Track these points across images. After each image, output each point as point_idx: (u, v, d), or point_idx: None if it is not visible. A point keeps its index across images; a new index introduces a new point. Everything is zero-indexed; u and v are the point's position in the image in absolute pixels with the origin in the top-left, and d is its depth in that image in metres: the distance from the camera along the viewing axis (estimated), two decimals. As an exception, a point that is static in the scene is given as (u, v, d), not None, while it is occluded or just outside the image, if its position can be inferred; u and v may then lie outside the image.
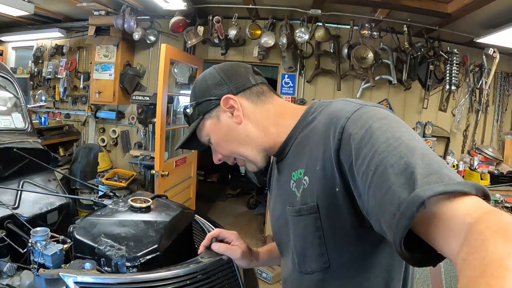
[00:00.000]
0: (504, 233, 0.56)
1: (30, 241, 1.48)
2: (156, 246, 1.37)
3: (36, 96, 5.09)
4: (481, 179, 4.52)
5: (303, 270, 1.08)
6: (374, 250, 0.98)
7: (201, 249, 1.44)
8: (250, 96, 1.16)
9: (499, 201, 3.92)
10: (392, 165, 0.75)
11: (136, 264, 1.30)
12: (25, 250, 1.62)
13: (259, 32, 4.78)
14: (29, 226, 1.84)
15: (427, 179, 0.70)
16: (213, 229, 1.82)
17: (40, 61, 5.95)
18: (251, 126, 1.15)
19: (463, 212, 0.65)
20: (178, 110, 5.68)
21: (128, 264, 1.29)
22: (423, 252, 0.74)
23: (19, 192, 2.27)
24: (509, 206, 3.85)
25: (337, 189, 0.92)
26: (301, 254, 1.07)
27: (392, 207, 0.72)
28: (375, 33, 4.59)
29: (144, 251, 1.33)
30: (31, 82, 5.96)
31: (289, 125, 1.14)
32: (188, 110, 1.24)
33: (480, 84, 5.05)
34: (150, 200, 1.62)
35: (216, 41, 4.93)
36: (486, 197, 0.69)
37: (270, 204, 1.35)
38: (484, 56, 4.78)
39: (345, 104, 0.99)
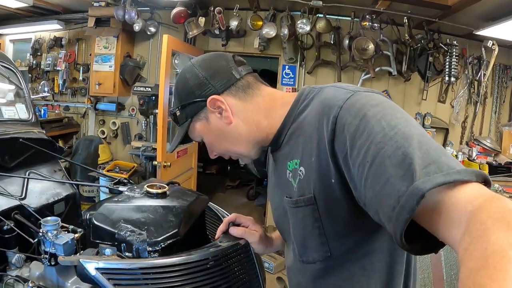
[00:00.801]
0: (506, 222, 0.56)
1: (41, 231, 1.48)
2: (176, 230, 1.38)
3: (39, 87, 5.06)
4: (480, 169, 4.55)
5: (305, 260, 1.09)
6: (375, 236, 0.99)
7: (218, 233, 1.45)
8: (237, 92, 1.13)
9: (498, 191, 3.96)
10: (389, 156, 0.74)
11: (157, 248, 1.31)
12: (35, 240, 1.62)
13: (260, 23, 4.78)
14: (37, 216, 1.84)
15: (426, 170, 0.69)
16: (227, 215, 1.83)
17: (39, 54, 5.93)
18: (241, 124, 1.13)
19: (464, 200, 0.65)
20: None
21: (149, 249, 1.30)
22: (424, 240, 0.74)
23: (26, 182, 2.26)
24: (508, 196, 3.88)
25: (333, 180, 0.91)
26: (302, 245, 1.08)
27: (391, 200, 0.71)
28: (375, 24, 4.61)
29: (165, 236, 1.34)
30: (30, 75, 5.93)
31: (281, 115, 1.12)
32: (176, 113, 1.20)
33: (478, 76, 5.08)
34: (166, 186, 1.63)
35: (217, 32, 4.92)
36: (486, 182, 0.69)
37: (269, 193, 1.35)
38: (483, 49, 4.79)
39: (336, 90, 0.98)
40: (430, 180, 0.66)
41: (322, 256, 1.03)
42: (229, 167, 8.43)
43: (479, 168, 4.52)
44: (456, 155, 4.82)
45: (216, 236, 1.45)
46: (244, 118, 1.13)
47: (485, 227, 0.57)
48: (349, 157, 0.83)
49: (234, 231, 1.42)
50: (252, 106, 1.14)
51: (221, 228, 1.45)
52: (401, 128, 0.78)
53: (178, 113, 1.18)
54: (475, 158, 4.84)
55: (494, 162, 4.84)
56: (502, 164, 4.80)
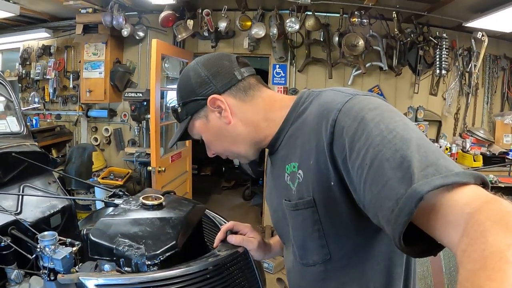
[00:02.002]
0: (504, 224, 0.56)
1: (38, 246, 1.46)
2: (174, 242, 1.37)
3: (30, 98, 5.03)
4: (474, 160, 4.58)
5: (305, 263, 1.09)
6: (374, 239, 0.99)
7: (216, 242, 1.45)
8: (237, 93, 1.13)
9: (493, 181, 3.98)
10: (388, 159, 0.74)
11: (156, 262, 1.30)
12: (33, 255, 1.61)
13: (249, 23, 4.78)
14: (34, 231, 1.82)
15: (424, 172, 0.69)
16: (225, 222, 1.83)
17: (28, 63, 5.86)
18: (240, 124, 1.14)
19: (462, 202, 0.65)
20: (169, 105, 5.66)
21: (148, 262, 1.29)
22: (423, 242, 0.74)
23: (21, 197, 2.24)
24: (503, 186, 3.91)
25: (332, 183, 0.92)
26: (302, 247, 1.08)
27: (390, 202, 0.71)
28: (364, 20, 4.63)
29: (163, 248, 1.33)
30: (20, 85, 5.88)
31: (280, 117, 1.13)
32: (176, 109, 1.22)
33: (469, 67, 5.11)
34: (162, 197, 1.62)
35: (206, 34, 4.91)
36: (485, 184, 0.69)
37: (267, 196, 1.35)
38: (472, 40, 4.83)
39: (335, 94, 0.98)
40: (428, 182, 0.67)
41: (322, 259, 1.04)
42: (224, 168, 8.43)
43: (474, 159, 4.55)
44: (449, 147, 4.85)
45: (215, 245, 1.45)
46: (243, 118, 1.14)
47: (483, 228, 0.57)
48: (348, 160, 0.84)
49: (232, 239, 1.42)
50: (251, 107, 1.14)
51: (219, 236, 1.46)
52: (399, 131, 0.78)
53: (179, 110, 1.19)
54: (468, 149, 4.87)
55: (488, 153, 4.87)
56: (496, 154, 4.84)
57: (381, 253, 1.00)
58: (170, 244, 1.36)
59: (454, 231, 0.64)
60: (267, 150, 1.26)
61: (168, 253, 1.34)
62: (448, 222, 0.66)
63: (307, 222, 1.01)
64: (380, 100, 0.93)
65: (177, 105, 1.20)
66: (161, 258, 1.31)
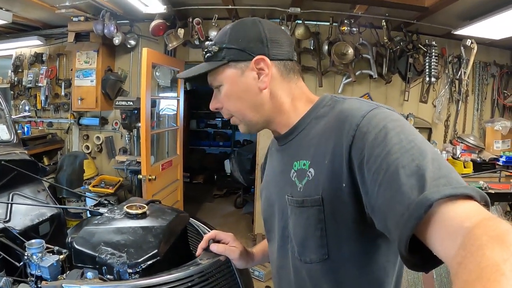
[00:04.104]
0: (501, 240, 0.58)
1: (26, 254, 1.48)
2: (156, 251, 1.39)
3: (20, 106, 5.02)
4: (464, 167, 4.61)
5: (303, 259, 1.09)
6: (372, 247, 1.01)
7: (199, 251, 1.46)
8: (283, 68, 1.14)
9: (483, 188, 3.99)
10: (404, 166, 0.78)
11: (138, 270, 1.32)
12: (21, 263, 1.62)
13: (239, 32, 4.79)
14: (22, 239, 1.83)
15: (436, 182, 0.74)
16: (208, 231, 1.84)
17: (20, 70, 5.85)
18: (269, 97, 1.14)
19: (463, 216, 0.68)
20: (161, 113, 5.67)
21: (130, 270, 1.31)
22: (418, 256, 0.77)
23: (10, 205, 2.25)
24: (493, 192, 3.92)
25: (344, 185, 0.94)
26: (301, 244, 1.08)
27: (401, 207, 0.75)
28: (354, 29, 4.65)
29: (144, 257, 1.35)
30: (12, 92, 5.86)
31: (302, 111, 1.15)
32: (210, 48, 1.15)
33: (459, 74, 5.13)
34: (145, 206, 1.63)
35: (197, 42, 4.92)
36: (486, 204, 0.72)
37: (263, 188, 1.35)
38: (462, 47, 4.87)
39: (361, 103, 1.01)
40: (439, 191, 0.71)
41: (319, 258, 1.04)
42: (216, 176, 8.44)
43: (464, 166, 4.58)
44: (441, 155, 4.88)
45: (197, 253, 1.46)
46: (274, 93, 1.14)
47: (480, 242, 0.59)
48: (365, 163, 0.87)
49: (214, 247, 1.43)
50: (286, 88, 1.15)
51: (202, 245, 1.46)
52: (417, 143, 0.83)
53: (216, 50, 1.13)
54: (459, 156, 4.90)
55: (478, 159, 4.91)
56: (487, 161, 4.88)
57: (376, 261, 1.02)
58: (152, 253, 1.38)
59: (452, 243, 0.66)
60: (270, 145, 1.31)
61: (150, 262, 1.35)
62: (447, 233, 0.69)
63: (311, 220, 1.02)
64: (400, 115, 0.96)
65: (217, 44, 1.14)
66: (143, 266, 1.33)
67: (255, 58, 1.10)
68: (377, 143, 0.85)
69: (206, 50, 1.16)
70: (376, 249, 1.01)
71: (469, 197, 0.71)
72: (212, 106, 1.22)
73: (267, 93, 1.13)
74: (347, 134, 0.93)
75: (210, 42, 1.17)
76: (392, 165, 0.80)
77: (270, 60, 1.11)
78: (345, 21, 4.63)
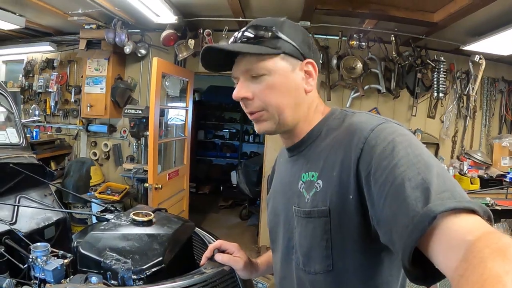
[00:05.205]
0: (503, 253, 0.59)
1: (30, 257, 1.49)
2: (161, 258, 1.39)
3: (30, 111, 5.07)
4: (471, 183, 4.58)
5: (307, 270, 1.08)
6: (376, 261, 1.01)
7: (203, 260, 1.46)
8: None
9: (490, 204, 3.96)
10: (410, 179, 0.80)
11: (142, 276, 1.32)
12: (25, 265, 1.63)
13: (249, 44, 4.81)
14: (27, 241, 1.84)
15: (440, 195, 0.75)
16: (213, 240, 1.84)
17: (31, 75, 5.93)
18: (308, 101, 1.14)
19: (466, 229, 0.69)
20: (170, 122, 5.70)
21: (134, 277, 1.32)
22: (419, 269, 0.77)
23: (16, 207, 2.27)
24: (500, 209, 3.89)
25: (351, 197, 0.94)
26: (306, 255, 1.08)
27: (406, 219, 0.76)
28: (363, 43, 4.68)
29: (149, 264, 1.36)
30: (22, 96, 5.92)
31: (315, 120, 1.15)
32: (263, 32, 1.07)
33: (467, 90, 5.14)
34: (152, 214, 1.64)
35: (207, 53, 4.95)
36: (489, 219, 0.73)
37: (270, 197, 1.35)
38: (470, 63, 4.88)
39: (370, 117, 1.03)
40: (443, 204, 0.72)
41: (324, 269, 1.04)
42: (222, 187, 8.43)
43: (471, 182, 4.55)
44: (447, 170, 4.84)
45: (202, 263, 1.46)
46: (311, 99, 1.15)
47: (482, 255, 0.60)
48: (372, 175, 0.88)
49: (219, 257, 1.43)
50: (315, 97, 1.17)
51: (206, 254, 1.46)
52: (424, 157, 0.84)
53: (270, 35, 1.07)
54: (466, 172, 4.87)
55: (485, 175, 4.88)
56: (494, 177, 4.85)
57: (380, 275, 1.01)
58: (157, 260, 1.38)
59: (454, 255, 0.67)
60: (276, 158, 1.30)
61: (154, 269, 1.36)
62: (449, 246, 0.70)
63: (317, 231, 1.03)
64: (408, 130, 0.97)
65: (272, 30, 1.07)
66: (147, 273, 1.33)
67: (307, 60, 1.10)
68: (385, 156, 0.87)
69: (256, 30, 1.08)
70: (379, 263, 1.01)
71: (472, 211, 0.72)
72: (241, 94, 1.10)
73: (310, 97, 1.13)
74: (356, 147, 0.94)
75: (258, 25, 1.09)
76: (398, 177, 0.81)
77: None
78: (354, 36, 4.66)
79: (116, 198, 4.75)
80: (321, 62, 4.98)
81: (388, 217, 0.82)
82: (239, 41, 1.10)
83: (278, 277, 1.26)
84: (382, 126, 0.95)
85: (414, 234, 0.73)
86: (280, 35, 1.07)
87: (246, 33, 1.09)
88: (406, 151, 0.85)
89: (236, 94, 1.11)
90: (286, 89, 1.09)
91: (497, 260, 0.58)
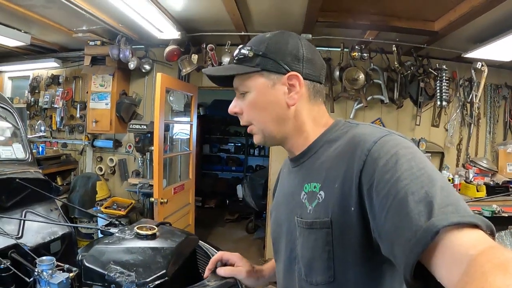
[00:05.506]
0: (505, 268, 0.60)
1: (36, 270, 1.51)
2: (164, 271, 1.40)
3: (36, 127, 5.12)
4: (477, 191, 4.55)
5: (309, 281, 1.08)
6: (377, 273, 1.00)
7: (206, 273, 1.47)
8: (312, 89, 1.15)
9: (496, 211, 3.93)
10: (413, 193, 0.79)
11: (146, 289, 1.33)
12: (31, 279, 1.64)
13: (252, 58, 4.85)
14: (33, 255, 1.86)
15: (444, 209, 0.75)
16: (216, 253, 1.85)
17: (37, 91, 6.00)
18: (293, 114, 1.14)
19: (469, 244, 0.69)
20: (175, 137, 5.73)
21: (138, 289, 1.33)
22: (423, 282, 0.77)
23: (22, 222, 2.29)
24: (506, 215, 3.86)
25: (353, 209, 0.94)
26: (308, 266, 1.07)
27: (408, 233, 0.76)
28: (365, 54, 4.69)
29: (153, 277, 1.37)
30: (28, 112, 5.99)
31: (317, 134, 1.15)
32: (245, 52, 1.12)
33: (470, 97, 5.13)
34: (155, 227, 1.65)
35: (210, 68, 4.99)
36: (492, 234, 0.73)
37: (273, 208, 1.35)
38: (472, 70, 4.90)
39: (374, 129, 1.02)
40: (446, 218, 0.72)
41: (325, 280, 1.03)
42: (228, 201, 8.43)
43: (477, 190, 4.53)
44: (452, 178, 4.83)
45: (205, 275, 1.47)
46: (299, 111, 1.14)
47: (483, 269, 0.61)
48: (374, 188, 0.87)
49: (221, 271, 1.44)
50: (309, 109, 1.16)
51: (209, 267, 1.48)
52: (427, 171, 0.84)
53: (251, 55, 1.11)
54: (472, 180, 4.84)
55: (491, 182, 4.84)
56: (500, 184, 4.81)
57: (382, 287, 1.01)
58: (160, 273, 1.39)
59: (456, 269, 0.68)
60: (281, 169, 1.31)
61: (158, 282, 1.37)
62: (452, 260, 0.70)
63: (319, 242, 1.02)
64: (412, 143, 0.97)
65: (253, 49, 1.12)
66: (151, 286, 1.34)
67: (289, 74, 1.10)
68: (387, 168, 0.86)
69: (240, 52, 1.14)
70: (381, 275, 1.00)
71: (475, 226, 0.72)
72: (232, 109, 1.21)
73: (293, 110, 1.13)
74: (359, 159, 0.94)
75: (245, 45, 1.15)
76: (401, 191, 0.81)
77: (303, 78, 1.11)
78: (356, 47, 4.67)
79: (122, 212, 4.76)
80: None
81: (390, 230, 0.82)
82: (234, 60, 1.16)
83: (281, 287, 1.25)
84: (386, 138, 0.95)
85: (417, 248, 0.73)
86: (260, 53, 1.10)
87: (236, 53, 1.15)
88: (409, 164, 0.85)
89: (229, 109, 1.21)
90: (264, 105, 1.14)
91: (499, 274, 0.58)
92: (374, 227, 0.89)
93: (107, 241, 1.58)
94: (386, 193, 0.83)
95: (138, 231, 1.61)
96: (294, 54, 1.11)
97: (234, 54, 1.16)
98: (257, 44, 1.13)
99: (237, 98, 1.20)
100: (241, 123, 1.21)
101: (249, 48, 1.12)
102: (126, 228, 1.73)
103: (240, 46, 1.15)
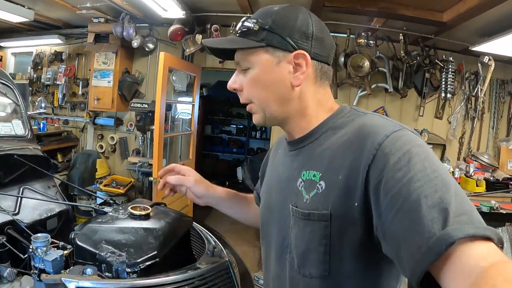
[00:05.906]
0: None
1: (31, 247, 1.50)
2: (155, 252, 1.40)
3: (36, 103, 5.12)
4: (477, 185, 4.54)
5: (302, 272, 1.03)
6: (374, 270, 0.98)
7: (159, 184, 1.52)
8: (319, 71, 1.08)
9: (495, 208, 3.92)
10: (426, 196, 0.76)
11: (136, 270, 1.33)
12: (25, 255, 1.65)
13: (257, 40, 4.82)
14: (29, 232, 1.86)
15: (458, 218, 0.72)
16: (211, 236, 1.86)
17: (39, 67, 5.98)
18: (298, 96, 1.07)
19: (480, 256, 0.68)
20: (176, 116, 5.72)
21: (128, 270, 1.32)
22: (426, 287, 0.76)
23: (19, 198, 2.29)
24: (505, 212, 3.85)
25: (356, 204, 0.89)
26: (302, 257, 1.03)
27: (419, 239, 0.73)
28: (371, 41, 4.66)
29: (143, 257, 1.36)
30: (30, 88, 5.98)
31: (321, 118, 1.09)
32: (250, 24, 1.05)
33: (475, 91, 5.08)
34: (149, 208, 1.65)
35: (215, 48, 4.95)
36: (502, 246, 0.72)
37: (264, 191, 1.30)
38: (479, 64, 4.85)
39: (384, 121, 0.96)
40: (461, 229, 0.70)
41: (320, 274, 0.99)
42: (227, 183, 8.43)
43: (476, 184, 4.52)
44: (453, 171, 4.82)
45: (159, 187, 1.51)
46: (303, 93, 1.07)
47: (493, 282, 0.60)
48: (383, 185, 0.83)
49: (171, 179, 1.48)
50: (315, 91, 1.09)
51: (160, 174, 1.53)
52: (441, 174, 0.80)
53: (256, 28, 1.04)
54: (472, 174, 4.83)
55: (491, 178, 4.83)
56: (500, 180, 4.80)
57: (377, 285, 0.99)
58: (151, 254, 1.39)
59: (465, 281, 0.67)
60: (271, 147, 1.27)
61: (148, 262, 1.36)
62: (462, 271, 0.69)
63: (315, 235, 0.98)
64: (425, 141, 0.92)
65: (260, 22, 1.04)
66: (141, 267, 1.34)
67: (296, 52, 1.03)
68: (399, 167, 0.82)
69: (244, 24, 1.07)
70: (378, 272, 0.98)
71: (487, 238, 0.71)
72: (231, 85, 1.14)
73: (297, 91, 1.06)
74: (368, 152, 0.89)
75: (250, 17, 1.07)
76: (413, 193, 0.77)
77: (311, 58, 1.04)
78: (363, 34, 4.64)
79: (121, 191, 4.78)
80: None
81: (397, 232, 0.79)
82: (237, 33, 1.09)
83: (270, 275, 1.21)
84: (398, 133, 0.89)
85: (429, 257, 0.71)
86: (267, 26, 1.03)
87: (240, 26, 1.08)
88: (423, 164, 0.81)
89: (228, 84, 1.14)
90: (267, 83, 1.07)
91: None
92: (379, 225, 0.85)
93: (100, 220, 1.58)
94: (397, 193, 0.80)
95: (131, 211, 1.60)
96: (303, 31, 1.03)
97: (238, 27, 1.09)
98: (263, 16, 1.05)
99: (237, 73, 1.13)
100: (241, 101, 1.15)
101: (254, 20, 1.04)
102: (120, 208, 1.73)
103: (244, 18, 1.09)
